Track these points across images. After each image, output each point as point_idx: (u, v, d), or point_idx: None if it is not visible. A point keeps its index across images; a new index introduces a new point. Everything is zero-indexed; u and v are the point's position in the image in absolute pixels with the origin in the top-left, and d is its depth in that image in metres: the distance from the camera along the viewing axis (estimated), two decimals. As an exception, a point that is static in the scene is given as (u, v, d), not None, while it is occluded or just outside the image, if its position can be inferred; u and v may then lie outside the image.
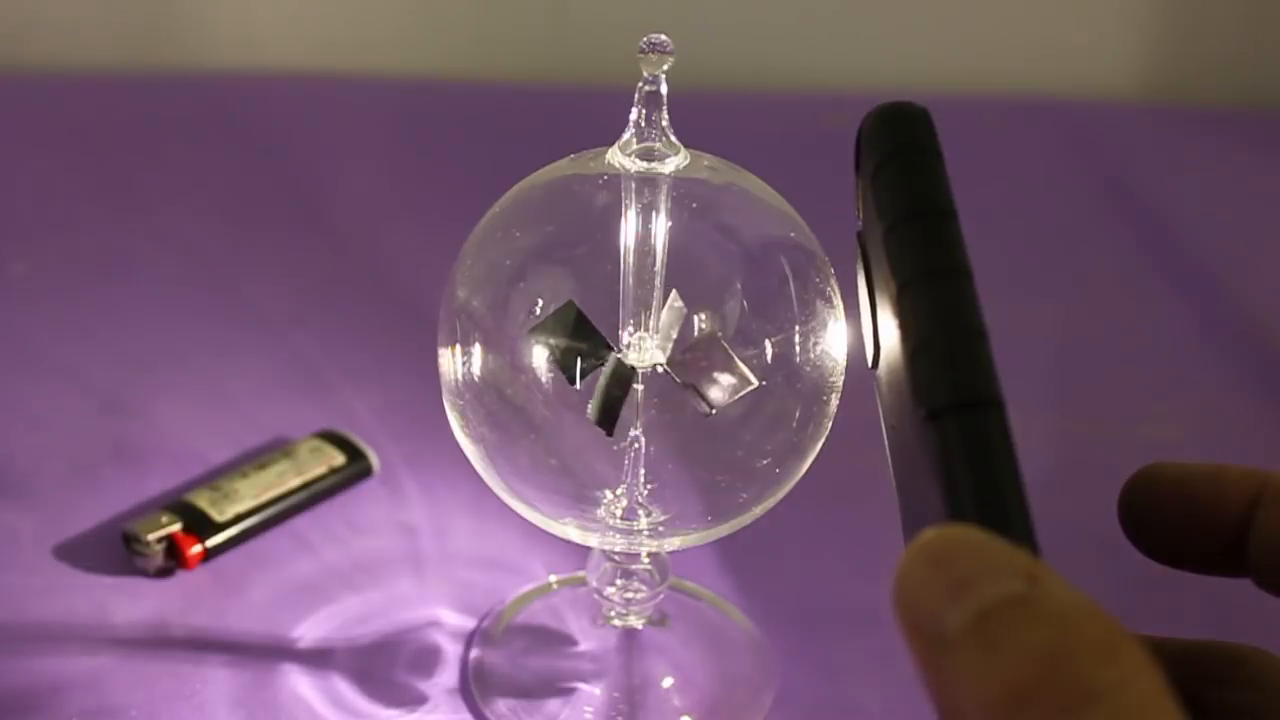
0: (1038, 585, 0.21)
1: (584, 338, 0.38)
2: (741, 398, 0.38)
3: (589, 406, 0.38)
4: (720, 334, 0.38)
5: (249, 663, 0.45)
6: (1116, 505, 0.30)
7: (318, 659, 0.45)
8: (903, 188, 0.27)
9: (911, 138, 0.27)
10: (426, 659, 0.45)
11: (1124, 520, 0.29)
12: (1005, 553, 0.21)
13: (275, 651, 0.45)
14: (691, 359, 0.38)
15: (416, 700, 0.44)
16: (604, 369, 0.38)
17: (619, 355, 0.38)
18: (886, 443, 0.28)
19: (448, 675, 0.45)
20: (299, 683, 0.44)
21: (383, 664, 0.45)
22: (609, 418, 0.38)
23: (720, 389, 0.37)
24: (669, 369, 0.38)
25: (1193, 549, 0.29)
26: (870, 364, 0.29)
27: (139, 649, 0.45)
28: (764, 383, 0.38)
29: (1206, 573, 0.30)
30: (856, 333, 0.39)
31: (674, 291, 0.38)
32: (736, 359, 0.37)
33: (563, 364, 0.38)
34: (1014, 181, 0.80)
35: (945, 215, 0.26)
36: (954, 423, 0.23)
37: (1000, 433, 0.23)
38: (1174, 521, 0.29)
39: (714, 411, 0.38)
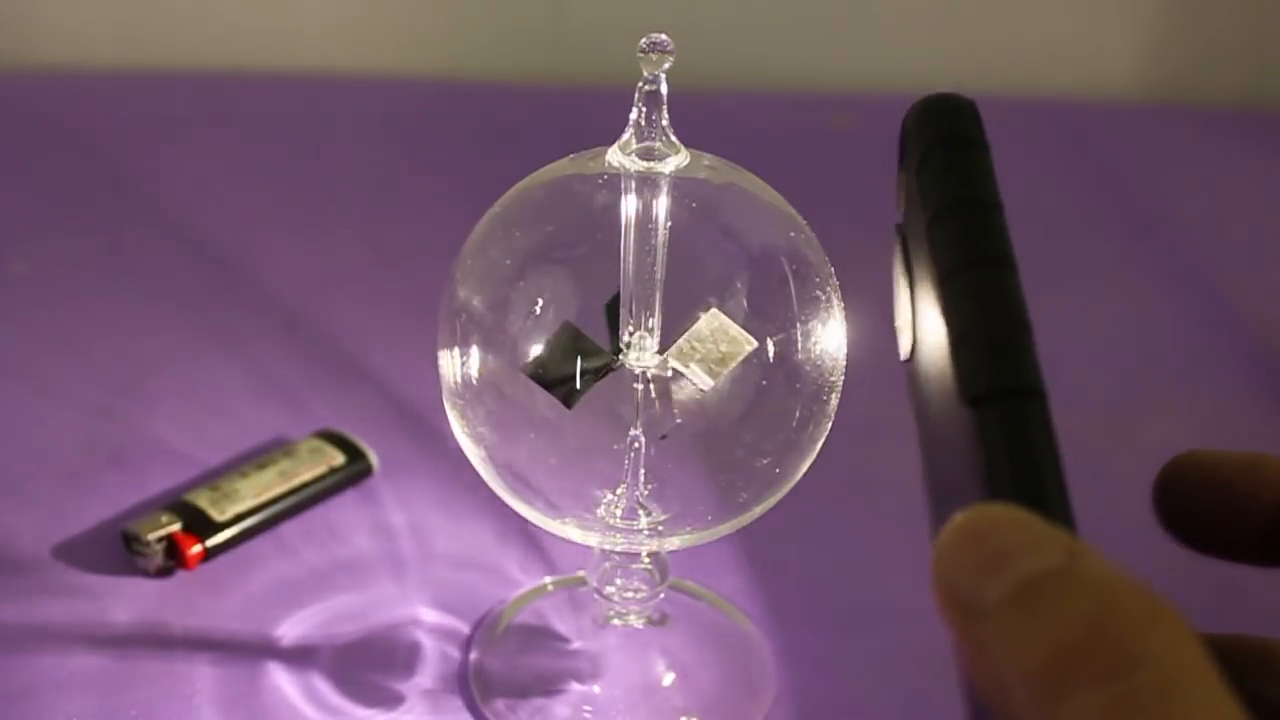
0: (1077, 559, 0.21)
1: (587, 354, 0.38)
2: (742, 398, 0.38)
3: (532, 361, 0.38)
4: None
5: (250, 662, 0.45)
6: (1151, 491, 0.29)
7: (319, 657, 0.45)
8: (948, 179, 0.26)
9: (958, 129, 0.27)
10: (428, 658, 0.45)
11: (1158, 506, 0.29)
12: (1044, 528, 0.21)
13: (276, 651, 0.45)
14: (690, 345, 0.38)
15: (420, 697, 0.44)
16: (563, 340, 0.37)
17: (575, 325, 0.38)
18: (918, 435, 0.28)
19: (449, 674, 0.45)
20: (301, 680, 0.44)
21: (384, 663, 0.45)
22: (569, 388, 0.37)
23: (718, 362, 0.37)
24: (669, 358, 0.38)
25: (1226, 537, 0.29)
26: (905, 357, 0.29)
27: (139, 649, 0.45)
28: (766, 354, 0.38)
29: (1239, 561, 0.29)
30: (856, 332, 0.39)
31: (714, 309, 0.38)
32: (733, 324, 0.37)
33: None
34: (1014, 181, 0.80)
35: (991, 207, 0.26)
36: (995, 409, 0.23)
37: (1041, 421, 0.23)
38: (1209, 509, 0.29)
39: (713, 384, 0.38)
